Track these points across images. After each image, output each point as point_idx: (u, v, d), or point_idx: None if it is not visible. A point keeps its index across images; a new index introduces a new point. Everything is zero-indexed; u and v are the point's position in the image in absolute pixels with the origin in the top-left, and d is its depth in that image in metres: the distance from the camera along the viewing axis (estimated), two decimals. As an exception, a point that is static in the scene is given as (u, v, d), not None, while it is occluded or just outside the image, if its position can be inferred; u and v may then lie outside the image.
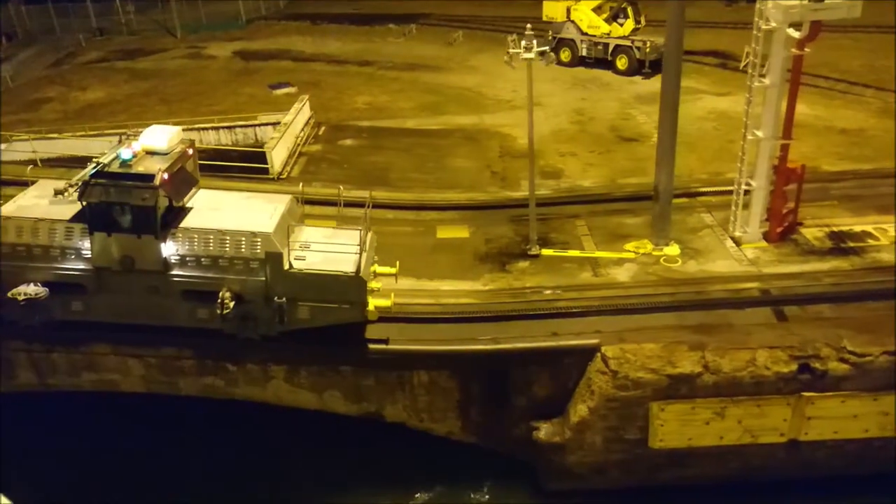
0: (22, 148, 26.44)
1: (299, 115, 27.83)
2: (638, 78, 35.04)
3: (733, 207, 19.41)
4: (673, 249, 19.05)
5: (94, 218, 14.48)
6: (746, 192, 18.95)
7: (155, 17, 55.04)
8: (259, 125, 28.90)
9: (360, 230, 15.03)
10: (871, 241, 19.01)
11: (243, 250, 14.57)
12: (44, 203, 15.35)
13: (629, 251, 19.21)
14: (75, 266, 14.82)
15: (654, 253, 19.08)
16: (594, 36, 36.33)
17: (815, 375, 15.00)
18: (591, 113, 30.92)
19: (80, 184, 14.50)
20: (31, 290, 14.59)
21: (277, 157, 24.16)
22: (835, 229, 19.65)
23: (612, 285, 17.80)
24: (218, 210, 15.40)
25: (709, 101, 31.08)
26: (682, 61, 18.20)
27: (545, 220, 21.31)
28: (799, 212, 19.98)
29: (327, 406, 16.41)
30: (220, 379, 16.19)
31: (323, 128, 29.65)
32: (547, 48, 17.86)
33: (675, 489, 16.22)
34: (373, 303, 15.26)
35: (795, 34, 16.97)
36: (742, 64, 34.71)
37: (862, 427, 15.45)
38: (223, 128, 29.17)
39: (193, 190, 15.85)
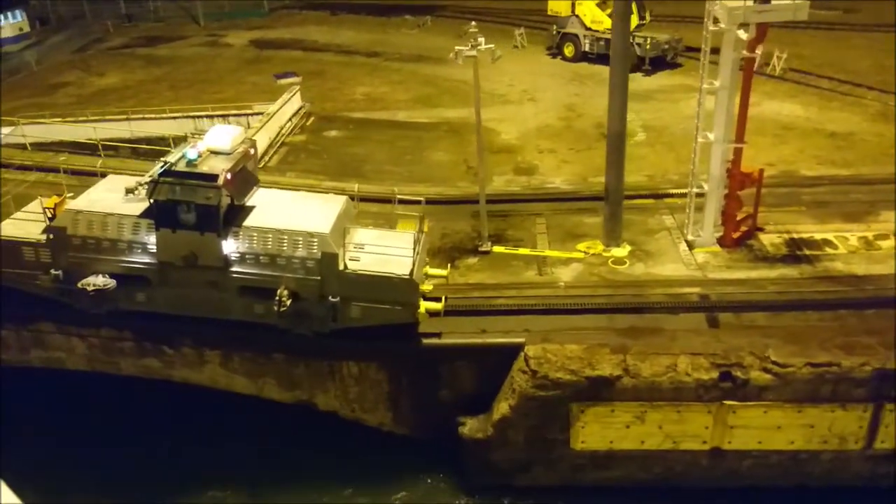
0: (28, 131, 27.53)
1: (287, 106, 28.31)
2: (638, 75, 34.47)
3: (687, 211, 19.19)
4: (621, 251, 18.95)
5: (160, 215, 15.04)
6: (699, 196, 18.71)
7: (182, 4, 56.20)
8: (252, 114, 29.53)
9: (414, 233, 15.50)
10: (828, 250, 18.59)
11: (300, 250, 15.00)
12: (112, 198, 15.93)
13: (579, 251, 19.17)
14: (141, 260, 15.44)
15: (604, 254, 19.01)
16: (597, 31, 35.96)
17: (736, 384, 14.84)
18: (581, 109, 30.70)
19: (148, 182, 15.13)
20: (99, 281, 15.26)
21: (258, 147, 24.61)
22: (794, 236, 19.26)
23: (551, 284, 17.82)
24: (277, 209, 15.82)
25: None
26: (628, 60, 17.87)
27: (506, 216, 21.40)
28: (759, 217, 19.67)
29: (262, 392, 16.89)
30: (157, 360, 16.79)
31: (312, 118, 30.15)
32: (492, 45, 17.79)
33: (600, 490, 16.25)
34: (424, 305, 15.67)
35: (743, 36, 16.66)
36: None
37: (787, 439, 15.24)
38: (217, 116, 29.83)
39: (254, 189, 16.38)
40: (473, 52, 17.42)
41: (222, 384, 16.89)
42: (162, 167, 15.07)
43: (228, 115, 29.70)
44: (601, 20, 35.65)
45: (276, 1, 57.37)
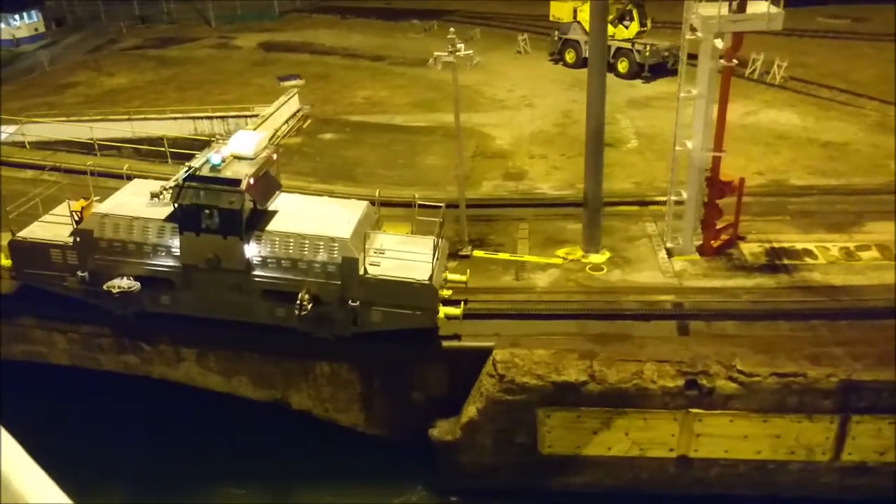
0: (29, 130, 28.17)
1: (284, 108, 28.65)
2: (638, 82, 34.54)
3: (666, 218, 19.21)
4: (600, 257, 19.01)
5: (184, 219, 15.39)
6: (678, 204, 18.72)
7: (195, 6, 56.93)
8: (251, 116, 29.92)
9: (434, 238, 15.74)
10: (808, 260, 18.51)
11: (321, 254, 15.28)
12: (137, 202, 16.31)
13: (558, 257, 19.25)
14: (165, 263, 15.80)
15: (583, 260, 19.07)
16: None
17: (702, 392, 14.84)
18: (577, 116, 30.57)
19: (173, 186, 15.48)
20: (124, 283, 15.66)
21: (248, 149, 24.98)
22: (775, 245, 19.19)
23: (527, 290, 17.92)
24: (298, 214, 16.14)
25: (700, 107, 30.33)
26: (605, 67, 17.94)
27: (490, 221, 21.55)
28: (743, 226, 19.63)
29: (236, 390, 17.17)
30: (136, 357, 17.13)
31: (309, 121, 30.47)
32: (471, 52, 17.98)
33: (569, 496, 16.31)
34: (443, 310, 15.89)
35: (720, 45, 16.68)
36: (747, 71, 33.92)
37: (754, 448, 15.20)
38: (216, 117, 30.32)
39: (276, 194, 16.71)
40: (451, 58, 17.58)
41: (198, 382, 17.18)
42: (186, 172, 15.38)
43: (228, 117, 30.17)
44: (603, 26, 35.59)
45: (288, 4, 58.03)
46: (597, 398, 15.12)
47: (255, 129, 25.79)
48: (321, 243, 15.24)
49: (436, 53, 17.84)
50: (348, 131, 29.62)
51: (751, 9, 16.17)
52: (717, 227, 19.15)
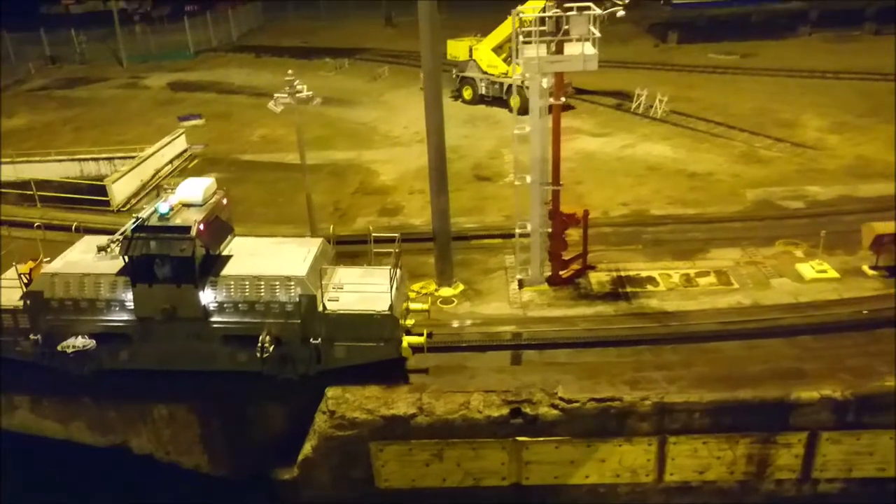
0: None
1: (167, 148, 28.61)
2: (528, 117, 35.43)
3: (515, 251, 19.74)
4: (450, 290, 19.38)
5: (136, 270, 15.11)
6: (523, 236, 19.25)
7: (111, 45, 56.59)
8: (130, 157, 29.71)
9: (389, 268, 15.75)
10: (649, 287, 19.18)
11: (278, 294, 15.15)
12: (88, 258, 16.06)
13: (412, 291, 19.53)
14: (120, 317, 15.50)
15: (435, 294, 19.41)
16: (492, 75, 36.96)
17: (526, 420, 15.19)
18: (464, 151, 31.39)
19: (121, 239, 15.27)
20: (79, 342, 15.31)
21: (122, 190, 24.90)
22: (622, 274, 19.84)
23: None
24: (253, 256, 16.06)
25: (583, 141, 31.39)
26: (440, 103, 18.48)
27: (354, 256, 21.74)
28: (598, 255, 20.31)
29: (73, 436, 16.86)
30: (-33, 407, 16.73)
31: (196, 160, 30.46)
32: (311, 93, 18.40)
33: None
34: (406, 340, 15.87)
35: (545, 84, 17.41)
36: (633, 106, 35.27)
37: (582, 473, 15.58)
38: (103, 159, 30.04)
39: (229, 238, 16.54)
40: (289, 100, 17.94)
41: (34, 429, 16.82)
42: (134, 223, 15.22)
43: (114, 158, 29.92)
44: (496, 64, 36.70)
45: (205, 44, 58.12)
46: (426, 430, 15.33)
47: (130, 171, 25.82)
48: (277, 283, 15.23)
49: (276, 95, 18.15)
50: (234, 170, 29.70)
51: (568, 50, 16.96)
52: (566, 257, 19.76)
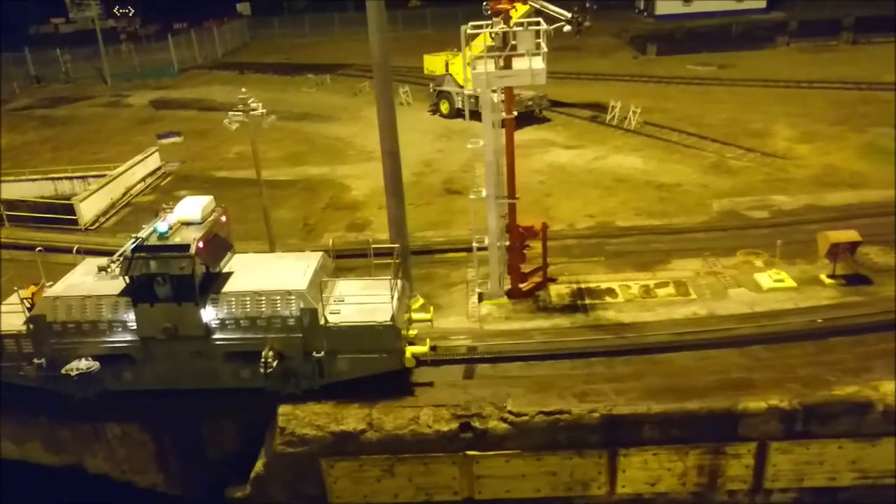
0: None
1: (138, 167, 28.72)
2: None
3: (474, 264, 19.78)
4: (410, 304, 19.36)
5: (136, 290, 15.11)
6: (481, 250, 19.29)
7: (96, 64, 56.88)
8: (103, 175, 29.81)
9: (390, 279, 15.75)
10: (608, 299, 19.20)
11: (279, 308, 15.16)
12: (89, 280, 16.10)
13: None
14: (123, 338, 15.50)
15: (395, 308, 19.39)
16: (469, 89, 37.05)
17: (476, 434, 15.15)
18: (438, 165, 31.56)
19: (121, 259, 15.27)
20: (83, 364, 15.28)
21: (90, 209, 24.98)
22: (582, 286, 19.86)
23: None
24: (253, 272, 16.11)
25: (555, 153, 31.57)
26: (394, 116, 18.55)
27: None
28: (559, 268, 20.36)
29: (28, 456, 16.82)
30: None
31: (169, 178, 30.58)
32: (265, 111, 18.53)
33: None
34: (409, 350, 15.87)
35: (496, 98, 17.53)
36: (607, 118, 35.46)
37: (533, 487, 15.52)
38: (77, 177, 30.18)
39: (228, 255, 16.60)
40: (244, 118, 18.04)
41: (-11, 450, 16.80)
42: (134, 243, 15.27)
43: (88, 177, 30.05)
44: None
45: (190, 61, 58.45)
46: (376, 446, 15.29)
47: (96, 189, 25.90)
48: (278, 298, 15.25)
49: (230, 113, 18.26)
50: (207, 187, 29.70)
51: (517, 65, 17.09)
52: (526, 270, 19.80)
